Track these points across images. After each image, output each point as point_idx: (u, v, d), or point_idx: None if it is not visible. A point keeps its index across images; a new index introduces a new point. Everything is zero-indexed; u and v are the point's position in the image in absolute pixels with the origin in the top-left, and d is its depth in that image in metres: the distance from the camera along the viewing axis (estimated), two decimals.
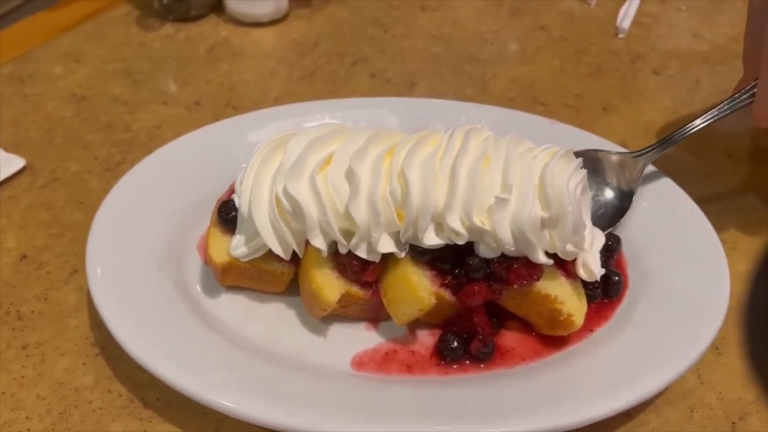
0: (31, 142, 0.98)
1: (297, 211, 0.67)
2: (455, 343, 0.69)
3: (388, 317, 0.70)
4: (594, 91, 1.10)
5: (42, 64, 1.14)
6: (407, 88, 1.11)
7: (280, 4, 1.23)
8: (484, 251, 0.67)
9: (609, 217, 0.81)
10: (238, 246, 0.71)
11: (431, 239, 0.66)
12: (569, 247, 0.67)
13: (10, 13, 1.27)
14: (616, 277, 0.74)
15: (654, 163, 0.84)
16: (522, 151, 0.69)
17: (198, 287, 0.75)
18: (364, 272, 0.69)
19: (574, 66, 1.16)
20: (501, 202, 0.65)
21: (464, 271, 0.67)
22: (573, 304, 0.68)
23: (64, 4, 1.28)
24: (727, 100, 0.82)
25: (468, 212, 0.65)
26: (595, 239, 0.72)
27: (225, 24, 1.24)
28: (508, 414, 0.61)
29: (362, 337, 0.72)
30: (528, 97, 1.09)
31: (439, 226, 0.66)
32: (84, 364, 0.71)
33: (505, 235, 0.65)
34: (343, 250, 0.68)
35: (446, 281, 0.68)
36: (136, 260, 0.73)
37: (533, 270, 0.66)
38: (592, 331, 0.71)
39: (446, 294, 0.68)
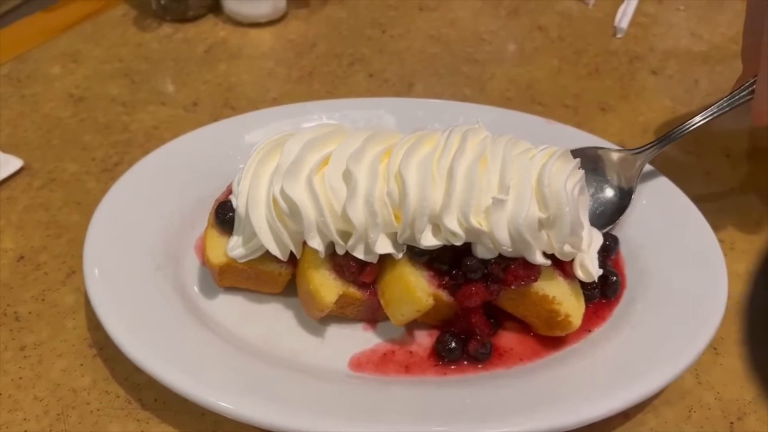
0: (28, 142, 0.98)
1: (294, 211, 0.67)
2: (453, 344, 0.69)
3: (386, 318, 0.70)
4: (592, 91, 1.10)
5: (40, 64, 1.14)
6: (405, 89, 1.11)
7: (278, 5, 1.23)
8: (482, 252, 0.67)
9: (608, 215, 0.81)
10: (235, 247, 0.70)
11: (428, 240, 0.66)
12: (567, 248, 0.67)
13: (8, 13, 1.27)
14: (614, 278, 0.74)
15: (652, 162, 0.84)
16: (519, 152, 0.69)
17: (195, 288, 0.75)
18: (362, 273, 0.69)
19: (572, 66, 1.16)
20: (498, 202, 0.65)
21: (462, 272, 0.67)
22: (571, 305, 0.68)
23: (61, 4, 1.28)
24: (726, 97, 0.82)
25: (465, 213, 0.65)
26: (592, 240, 0.72)
27: (223, 24, 1.24)
28: (507, 414, 0.61)
29: (360, 338, 0.72)
30: (526, 98, 1.09)
31: (437, 227, 0.66)
32: (81, 365, 0.70)
33: (503, 236, 0.65)
34: (340, 251, 0.68)
35: (444, 282, 0.68)
36: (134, 261, 0.73)
37: (531, 271, 0.66)
38: (590, 331, 0.71)
39: (444, 295, 0.68)
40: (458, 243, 0.66)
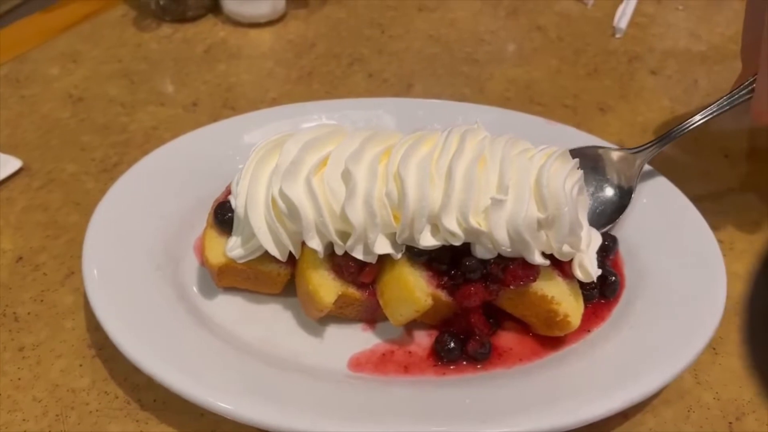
0: (27, 143, 0.98)
1: (293, 212, 0.67)
2: (452, 344, 0.69)
3: (385, 318, 0.70)
4: (591, 92, 1.10)
5: (39, 65, 1.14)
6: (404, 89, 1.11)
7: (277, 5, 1.23)
8: (481, 252, 0.67)
9: (608, 215, 0.81)
10: (234, 247, 0.71)
11: (427, 240, 0.66)
12: (566, 248, 0.67)
13: (7, 14, 1.27)
14: (613, 278, 0.74)
15: (651, 162, 0.84)
16: (518, 152, 0.69)
17: (195, 288, 0.75)
18: (361, 273, 0.69)
19: (571, 66, 1.16)
20: (497, 203, 0.65)
21: (461, 272, 0.67)
22: (570, 305, 0.68)
23: (60, 5, 1.28)
24: (725, 96, 0.82)
25: (464, 213, 0.65)
26: (591, 240, 0.72)
27: (222, 25, 1.24)
28: (506, 414, 0.61)
29: (359, 338, 0.72)
30: (525, 98, 1.09)
31: (436, 227, 0.66)
32: (80, 365, 0.70)
33: (502, 236, 0.65)
34: (339, 252, 0.68)
35: (443, 282, 0.68)
36: (133, 262, 0.73)
37: (530, 271, 0.66)
38: (589, 331, 0.71)
39: (443, 295, 0.68)
40: (457, 243, 0.66)
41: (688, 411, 0.68)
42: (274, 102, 1.06)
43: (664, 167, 0.85)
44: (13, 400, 0.67)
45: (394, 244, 0.68)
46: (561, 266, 0.69)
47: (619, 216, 0.81)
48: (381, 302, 0.69)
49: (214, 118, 0.99)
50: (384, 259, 0.69)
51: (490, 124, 0.74)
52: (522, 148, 0.70)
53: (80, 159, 0.95)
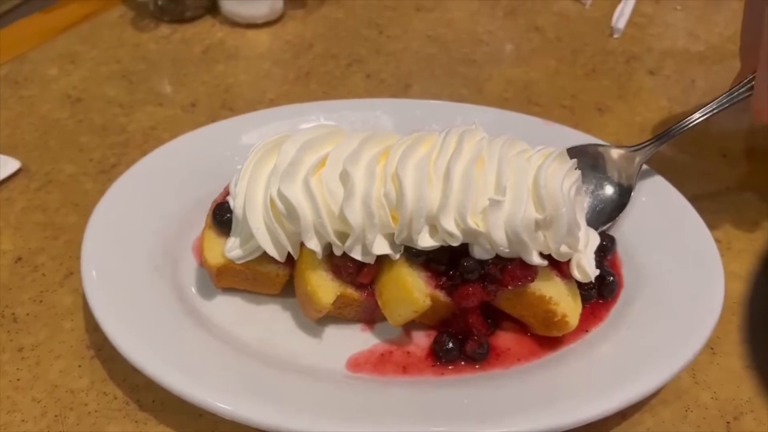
0: (26, 144, 0.98)
1: (291, 213, 0.67)
2: (450, 344, 0.69)
3: (384, 319, 0.70)
4: (589, 92, 1.10)
5: (37, 65, 1.14)
6: (402, 89, 1.11)
7: (275, 5, 1.23)
8: (479, 253, 0.67)
9: (608, 213, 0.81)
10: (233, 248, 0.71)
11: (426, 241, 0.66)
12: (563, 248, 0.67)
13: (5, 15, 1.27)
14: (611, 278, 0.74)
15: (649, 162, 0.84)
16: (516, 153, 0.69)
17: (193, 289, 0.75)
18: (359, 274, 0.69)
19: (569, 67, 1.16)
20: (495, 203, 0.65)
21: (459, 273, 0.67)
22: (568, 305, 0.68)
23: (59, 5, 1.28)
24: (725, 93, 0.82)
25: (462, 214, 0.65)
26: (589, 240, 0.72)
27: (220, 25, 1.24)
28: (504, 414, 0.61)
29: (358, 339, 0.72)
30: (523, 98, 1.09)
31: (434, 228, 0.66)
32: (79, 366, 0.71)
33: (499, 237, 0.65)
34: (338, 252, 0.68)
35: (441, 282, 0.68)
36: (131, 262, 0.73)
37: (528, 271, 0.67)
38: (587, 331, 0.72)
39: (441, 295, 0.68)
40: (455, 244, 0.66)
41: (686, 411, 0.68)
42: (272, 102, 1.07)
43: (662, 167, 0.85)
44: (12, 400, 0.67)
45: (393, 244, 0.68)
46: (559, 266, 0.69)
47: (618, 214, 0.81)
48: (379, 303, 0.70)
49: (213, 118, 0.99)
50: (382, 260, 0.69)
51: (488, 125, 0.74)
52: (520, 149, 0.70)
53: (79, 160, 0.95)
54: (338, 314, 0.72)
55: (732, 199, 0.92)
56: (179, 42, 1.20)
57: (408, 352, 0.71)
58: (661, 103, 1.08)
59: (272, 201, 0.68)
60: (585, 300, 0.71)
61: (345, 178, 0.67)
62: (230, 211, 0.71)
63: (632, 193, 0.81)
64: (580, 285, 0.71)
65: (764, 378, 0.70)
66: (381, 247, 0.67)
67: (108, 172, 0.93)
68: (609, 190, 0.83)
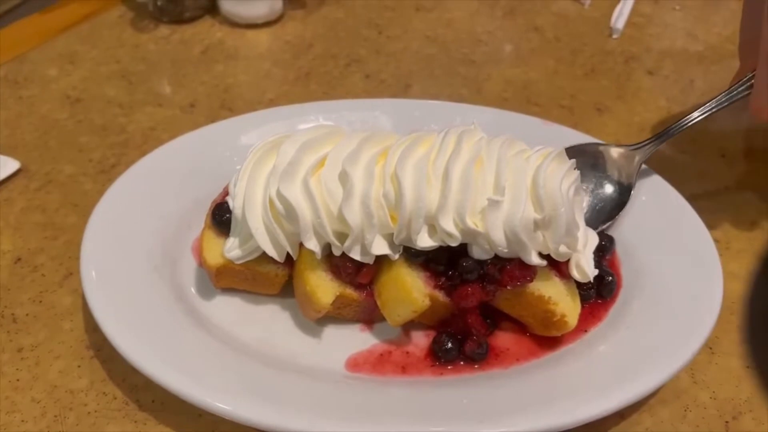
0: (25, 144, 0.98)
1: (290, 213, 0.67)
2: (449, 344, 0.69)
3: (383, 319, 0.70)
4: (588, 92, 1.11)
5: (37, 66, 1.14)
6: (402, 90, 1.11)
7: (275, 6, 1.23)
8: (478, 253, 0.67)
9: (608, 212, 0.81)
10: (232, 248, 0.71)
11: (424, 241, 0.66)
12: (562, 248, 0.67)
13: (5, 15, 1.27)
14: (610, 278, 0.74)
15: (648, 162, 0.84)
16: (515, 153, 0.69)
17: (192, 289, 0.75)
18: (358, 274, 0.69)
19: (568, 67, 1.17)
20: (494, 203, 0.65)
21: (458, 273, 0.67)
22: (566, 305, 0.68)
23: (58, 6, 1.28)
24: (724, 92, 0.82)
25: (461, 214, 0.65)
26: (588, 240, 0.72)
27: (219, 25, 1.24)
28: (503, 414, 0.61)
29: (357, 339, 0.72)
30: (522, 98, 1.09)
31: (433, 228, 0.66)
32: (79, 366, 0.71)
33: (498, 237, 0.65)
34: (337, 252, 0.68)
35: (440, 283, 0.68)
36: (131, 263, 0.73)
37: (526, 271, 0.67)
38: (585, 331, 0.72)
39: (440, 295, 0.68)
40: (454, 244, 0.66)
41: (685, 410, 0.68)
42: (272, 103, 1.07)
43: (661, 167, 0.85)
44: (12, 401, 0.67)
45: (392, 244, 0.68)
46: (558, 266, 0.69)
47: (618, 213, 0.81)
48: (378, 303, 0.70)
49: (212, 119, 0.99)
50: (381, 260, 0.69)
51: (487, 125, 0.74)
52: (519, 149, 0.70)
53: (78, 160, 0.95)
54: (337, 314, 0.72)
55: (731, 198, 0.92)
56: (178, 42, 1.20)
57: (407, 352, 0.71)
58: (660, 103, 1.08)
59: (271, 201, 0.68)
60: (584, 300, 0.72)
61: (344, 178, 0.67)
62: (229, 212, 0.71)
63: (632, 192, 0.81)
64: (579, 285, 0.71)
65: (763, 378, 0.70)
66: (380, 247, 0.67)
67: (107, 173, 0.93)
68: (609, 188, 0.83)
